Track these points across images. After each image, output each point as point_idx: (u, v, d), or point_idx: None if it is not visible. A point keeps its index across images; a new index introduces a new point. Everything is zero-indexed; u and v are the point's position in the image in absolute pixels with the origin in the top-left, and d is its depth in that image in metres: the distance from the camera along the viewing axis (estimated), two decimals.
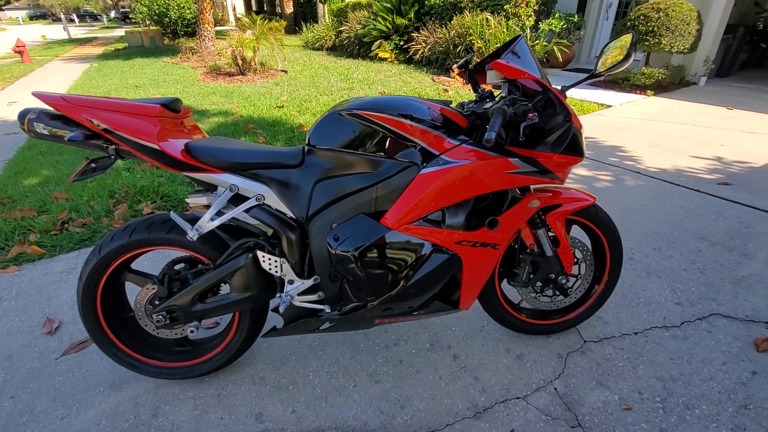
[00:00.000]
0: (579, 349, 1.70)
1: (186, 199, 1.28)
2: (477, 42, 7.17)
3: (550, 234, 1.53)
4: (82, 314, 1.41)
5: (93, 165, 1.31)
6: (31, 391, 1.55)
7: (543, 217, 1.48)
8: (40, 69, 10.00)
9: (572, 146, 1.32)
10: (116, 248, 1.34)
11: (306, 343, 1.75)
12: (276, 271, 1.34)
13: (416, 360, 1.66)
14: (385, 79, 7.47)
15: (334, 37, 11.68)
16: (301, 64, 9.24)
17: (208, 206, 1.31)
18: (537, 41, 7.41)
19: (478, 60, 1.46)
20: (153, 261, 2.32)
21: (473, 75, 1.51)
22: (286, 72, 8.18)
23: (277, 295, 1.39)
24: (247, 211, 1.29)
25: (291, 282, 1.36)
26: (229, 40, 7.94)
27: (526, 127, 1.27)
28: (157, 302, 1.41)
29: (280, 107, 5.44)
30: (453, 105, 1.38)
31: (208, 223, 1.28)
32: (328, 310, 1.39)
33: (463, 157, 1.26)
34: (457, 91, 6.29)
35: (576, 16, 7.82)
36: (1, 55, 12.95)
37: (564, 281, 1.59)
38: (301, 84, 7.01)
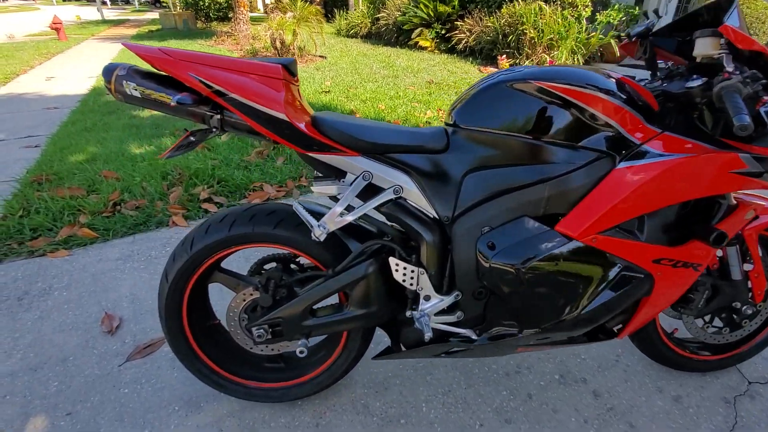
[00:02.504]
0: (745, 392, 1.38)
1: (312, 188, 1.00)
2: (530, 32, 6.76)
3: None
4: (165, 322, 1.15)
5: (192, 138, 1.04)
6: (92, 407, 1.31)
7: (740, 231, 1.17)
8: (76, 46, 9.92)
9: None
10: (212, 243, 1.07)
11: (409, 363, 1.47)
12: (411, 284, 1.06)
13: (548, 395, 1.36)
14: (429, 67, 7.13)
15: (369, 24, 11.34)
16: (338, 50, 8.94)
17: (332, 198, 1.03)
18: (593, 33, 6.97)
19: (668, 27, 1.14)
20: None
21: (652, 47, 1.19)
22: (324, 58, 7.90)
23: (407, 313, 1.11)
24: (380, 206, 1.01)
25: (427, 298, 1.07)
26: (269, 23, 7.68)
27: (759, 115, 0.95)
28: (257, 312, 1.15)
29: (326, 92, 5.16)
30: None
31: (337, 219, 1.00)
32: (473, 336, 1.10)
33: (674, 148, 0.95)
34: None
35: (636, 9, 7.33)
36: (37, 32, 13.00)
37: (748, 311, 1.27)
38: (343, 70, 6.72)
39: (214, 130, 1.02)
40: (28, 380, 1.40)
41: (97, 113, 4.26)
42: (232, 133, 1.05)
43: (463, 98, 1.06)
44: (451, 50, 8.59)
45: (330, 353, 1.26)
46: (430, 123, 3.99)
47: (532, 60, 6.84)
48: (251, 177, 2.77)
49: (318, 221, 1.00)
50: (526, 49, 6.90)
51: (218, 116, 0.99)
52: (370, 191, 1.01)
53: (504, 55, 7.03)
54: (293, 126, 0.93)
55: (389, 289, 1.10)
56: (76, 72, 6.57)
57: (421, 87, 5.57)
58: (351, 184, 0.99)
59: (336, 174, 1.03)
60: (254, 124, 0.94)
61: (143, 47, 0.96)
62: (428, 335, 1.02)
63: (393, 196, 1.00)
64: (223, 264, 1.22)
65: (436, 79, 6.03)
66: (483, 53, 7.83)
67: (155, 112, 4.30)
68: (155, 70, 0.98)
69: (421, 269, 1.04)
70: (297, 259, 1.25)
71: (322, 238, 0.99)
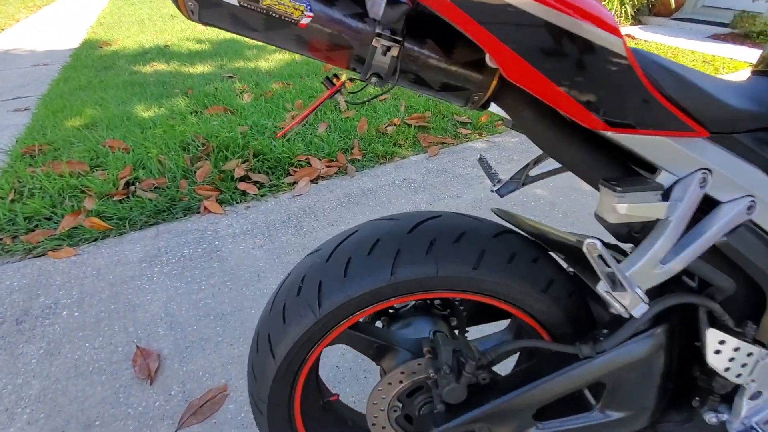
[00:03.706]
0: None
1: (616, 205, 0.48)
2: None
3: None
4: (268, 417, 0.68)
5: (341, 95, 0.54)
6: None
7: None
8: None
9: None
10: (361, 296, 0.59)
11: None
12: (738, 374, 0.58)
13: None
14: None
15: None
16: None
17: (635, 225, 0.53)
18: None
19: None
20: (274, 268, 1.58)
21: None
22: None
23: (710, 417, 0.64)
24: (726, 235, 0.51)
25: (757, 395, 0.60)
26: None
27: None
28: (418, 399, 0.68)
29: None
30: None
31: (658, 270, 0.50)
32: None
33: None
34: None
35: None
36: None
37: None
38: None
39: (372, 80, 0.50)
40: None
41: (91, 69, 3.63)
42: (399, 86, 0.54)
43: None
44: None
45: None
46: None
47: None
48: (293, 149, 2.23)
49: (623, 273, 0.48)
50: None
51: (396, 50, 0.47)
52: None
53: None
54: (634, 73, 0.40)
55: (677, 375, 0.62)
56: (65, 25, 5.82)
57: None
58: (670, 195, 0.49)
59: (630, 172, 0.52)
60: (519, 70, 0.42)
61: None
62: None
63: (746, 218, 0.51)
64: None
65: None
66: None
67: (159, 67, 3.68)
68: None
69: (763, 350, 0.56)
70: (437, 301, 0.78)
71: (637, 313, 0.48)
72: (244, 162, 2.13)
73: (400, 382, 0.67)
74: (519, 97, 0.53)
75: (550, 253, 0.67)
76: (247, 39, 4.72)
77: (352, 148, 2.32)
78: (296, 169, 2.13)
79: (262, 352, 0.65)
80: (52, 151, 2.21)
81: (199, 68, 3.60)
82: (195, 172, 2.04)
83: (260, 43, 4.47)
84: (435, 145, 2.40)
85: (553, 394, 0.60)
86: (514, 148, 2.39)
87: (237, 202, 1.92)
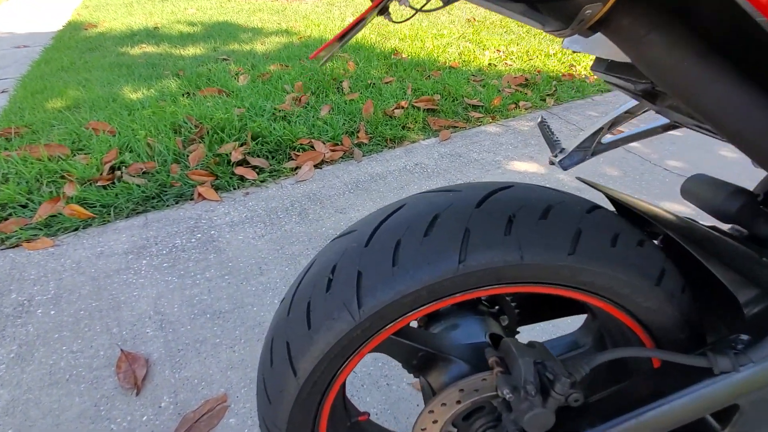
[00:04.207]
0: None
1: None
2: None
3: None
4: None
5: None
6: None
7: None
8: None
9: None
10: (419, 291, 0.43)
11: None
12: None
13: None
14: (462, 5, 6.19)
15: None
16: None
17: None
18: None
19: None
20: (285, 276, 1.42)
21: None
22: None
23: None
24: None
25: None
26: None
27: None
28: (478, 421, 0.53)
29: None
30: None
31: None
32: None
33: None
34: None
35: None
36: None
37: None
38: (362, 5, 5.78)
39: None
40: None
41: (75, 50, 3.41)
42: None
43: None
44: None
45: None
46: (494, 65, 3.24)
47: None
48: (295, 131, 2.06)
49: None
50: None
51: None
52: None
53: None
54: None
55: None
56: (48, 8, 5.56)
57: (463, 25, 4.73)
58: None
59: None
60: None
61: None
62: None
63: None
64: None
65: (477, 17, 5.17)
66: None
67: (148, 49, 3.47)
68: None
69: None
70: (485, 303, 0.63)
71: None
72: (241, 145, 1.95)
73: (458, 402, 0.52)
74: (647, 14, 0.37)
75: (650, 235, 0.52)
76: (240, 21, 4.46)
77: (358, 132, 2.15)
78: (298, 153, 1.96)
79: (278, 367, 0.49)
80: (30, 133, 2.02)
81: (191, 50, 3.40)
82: (187, 155, 1.87)
83: (255, 26, 4.26)
84: (446, 128, 2.24)
85: (675, 420, 0.45)
86: (530, 132, 2.24)
87: (234, 188, 1.75)
